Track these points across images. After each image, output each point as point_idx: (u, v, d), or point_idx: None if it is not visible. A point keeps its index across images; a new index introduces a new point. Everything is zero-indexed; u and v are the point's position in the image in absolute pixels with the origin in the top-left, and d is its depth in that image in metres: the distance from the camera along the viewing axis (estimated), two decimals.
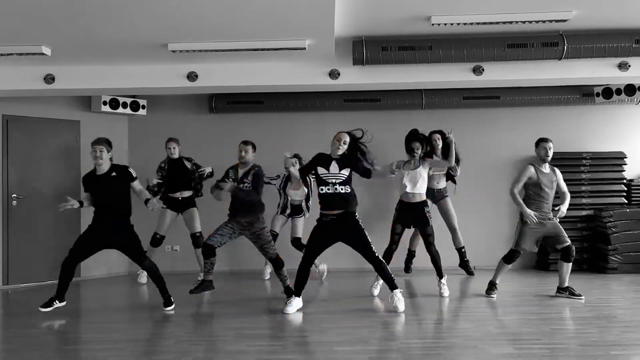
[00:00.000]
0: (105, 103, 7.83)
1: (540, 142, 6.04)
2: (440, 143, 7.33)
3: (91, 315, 5.79)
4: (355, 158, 5.37)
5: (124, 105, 7.99)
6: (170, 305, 5.58)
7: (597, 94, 7.90)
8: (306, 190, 6.83)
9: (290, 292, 5.71)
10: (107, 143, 5.51)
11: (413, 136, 6.30)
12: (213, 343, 4.49)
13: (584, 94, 7.96)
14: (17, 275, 7.26)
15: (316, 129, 8.11)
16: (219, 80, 6.42)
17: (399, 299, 5.32)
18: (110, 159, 5.55)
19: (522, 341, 4.36)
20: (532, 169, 5.97)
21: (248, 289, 6.76)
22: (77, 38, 5.40)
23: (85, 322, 5.52)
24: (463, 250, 7.56)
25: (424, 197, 6.25)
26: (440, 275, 6.13)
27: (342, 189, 5.30)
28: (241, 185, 5.75)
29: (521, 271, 7.99)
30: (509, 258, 6.04)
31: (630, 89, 7.66)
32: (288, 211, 7.18)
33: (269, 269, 7.33)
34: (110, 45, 5.62)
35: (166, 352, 4.30)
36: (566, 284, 5.98)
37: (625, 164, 8.06)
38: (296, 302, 5.42)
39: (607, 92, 7.81)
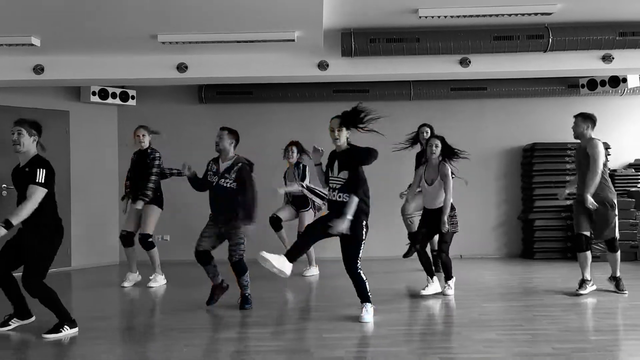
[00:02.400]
0: (94, 93, 7.85)
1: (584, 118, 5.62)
2: (427, 136, 6.99)
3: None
4: (358, 150, 4.69)
5: (113, 95, 8.02)
6: (54, 333, 4.31)
7: (582, 86, 8.04)
8: (300, 188, 6.78)
9: (245, 302, 5.18)
10: (31, 125, 4.38)
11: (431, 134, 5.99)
12: (201, 331, 4.57)
13: (569, 85, 8.10)
14: None
15: (306, 120, 8.20)
16: (208, 72, 6.47)
17: (367, 312, 4.72)
18: (41, 146, 4.48)
19: (505, 327, 4.48)
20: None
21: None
22: (67, 29, 5.43)
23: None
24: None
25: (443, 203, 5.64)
26: (449, 277, 5.73)
27: (339, 197, 4.62)
28: (222, 180, 5.16)
29: (507, 260, 8.16)
30: (577, 246, 5.66)
31: (614, 81, 7.79)
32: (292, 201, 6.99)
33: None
34: (100, 36, 5.65)
35: (156, 340, 4.38)
36: (617, 274, 5.67)
37: (609, 155, 8.19)
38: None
39: (592, 84, 7.95)
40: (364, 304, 4.75)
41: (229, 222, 5.14)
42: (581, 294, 5.51)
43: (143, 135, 6.31)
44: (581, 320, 4.68)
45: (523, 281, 6.42)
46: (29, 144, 4.33)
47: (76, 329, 4.40)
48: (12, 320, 4.61)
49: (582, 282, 5.60)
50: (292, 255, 4.62)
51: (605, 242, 5.74)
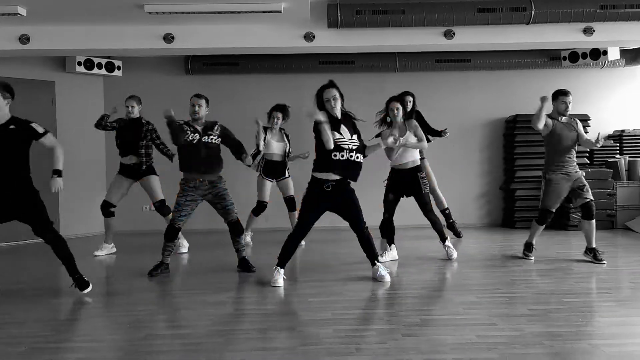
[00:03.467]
0: (79, 64, 7.83)
1: (559, 95, 5.66)
2: (410, 106, 7.06)
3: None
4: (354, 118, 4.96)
5: (99, 66, 8.01)
6: (86, 288, 4.67)
7: (564, 58, 8.18)
8: (288, 145, 6.86)
9: (245, 265, 5.46)
10: (4, 88, 4.47)
11: (393, 98, 5.84)
12: (194, 295, 4.70)
13: (551, 57, 8.24)
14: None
15: (292, 91, 8.25)
16: (195, 42, 6.50)
17: (383, 270, 5.06)
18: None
19: (484, 291, 4.68)
20: (549, 120, 5.64)
21: (223, 248, 6.97)
22: None
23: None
24: (447, 211, 7.35)
25: (418, 162, 5.87)
26: (443, 239, 5.95)
27: (357, 157, 4.82)
28: (205, 137, 5.25)
29: (488, 228, 8.38)
30: (541, 219, 5.80)
31: (595, 54, 7.93)
32: (270, 173, 6.86)
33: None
34: (87, 6, 5.66)
35: (150, 303, 4.51)
36: (593, 245, 5.74)
37: (589, 126, 8.37)
38: (281, 273, 4.97)
39: (574, 56, 8.09)
40: (377, 264, 5.07)
41: (214, 187, 5.29)
42: (530, 258, 5.90)
43: (132, 106, 6.36)
44: (557, 284, 4.87)
45: (503, 249, 6.63)
46: (2, 106, 4.42)
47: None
48: None
49: (529, 246, 5.96)
50: (283, 261, 4.99)
51: (582, 208, 5.74)
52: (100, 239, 7.36)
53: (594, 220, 5.71)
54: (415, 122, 5.83)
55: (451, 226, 7.41)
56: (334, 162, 4.76)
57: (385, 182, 5.84)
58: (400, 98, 5.92)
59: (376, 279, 5.04)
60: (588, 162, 8.34)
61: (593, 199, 5.71)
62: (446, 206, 7.36)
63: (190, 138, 5.25)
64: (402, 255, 6.14)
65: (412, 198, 5.90)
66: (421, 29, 6.44)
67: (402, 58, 8.18)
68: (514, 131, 8.34)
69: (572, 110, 8.28)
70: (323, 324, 3.80)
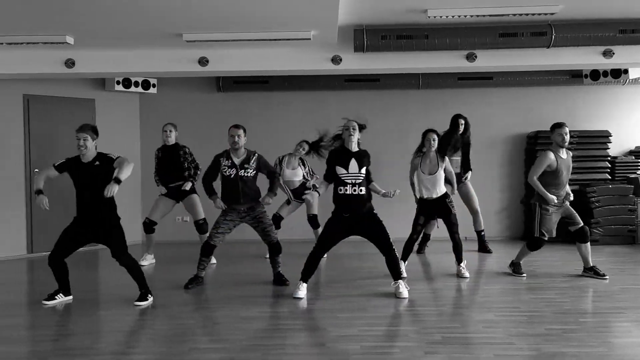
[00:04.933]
0: (118, 82, 8.25)
1: (555, 128, 5.87)
2: (462, 128, 7.35)
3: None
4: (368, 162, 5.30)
5: (136, 84, 8.42)
6: (144, 301, 5.15)
7: (585, 76, 8.33)
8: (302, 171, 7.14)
9: (279, 279, 5.80)
10: (93, 130, 5.12)
11: (430, 130, 6.23)
12: (227, 309, 5.02)
13: (572, 75, 8.39)
14: (40, 245, 7.82)
15: (318, 108, 8.58)
16: (227, 66, 6.81)
17: (403, 287, 5.32)
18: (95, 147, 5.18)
19: (503, 309, 4.91)
20: (551, 156, 5.80)
21: (252, 261, 7.29)
22: (99, 28, 5.79)
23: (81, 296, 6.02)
24: (482, 233, 7.62)
25: (444, 191, 6.21)
26: (459, 260, 6.17)
27: (360, 191, 5.17)
28: (242, 172, 5.59)
29: (508, 242, 8.56)
30: (533, 245, 6.00)
31: (616, 72, 8.09)
32: (292, 199, 7.22)
33: None
34: (129, 34, 6.01)
35: (189, 318, 4.84)
36: (590, 264, 6.02)
37: (610, 142, 8.52)
38: (304, 287, 5.34)
39: (595, 74, 8.24)
40: (398, 281, 5.34)
41: (252, 210, 5.66)
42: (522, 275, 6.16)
43: (170, 130, 6.78)
44: (574, 303, 5.07)
45: (523, 263, 6.80)
46: (91, 147, 5.07)
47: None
48: (59, 295, 5.27)
49: (517, 266, 6.24)
50: (306, 276, 5.33)
51: (577, 234, 5.98)
52: (136, 248, 7.76)
53: (588, 243, 6.02)
54: (447, 160, 6.31)
55: (483, 247, 7.66)
56: (339, 196, 5.20)
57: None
58: (434, 131, 6.27)
59: (395, 294, 5.31)
60: (609, 177, 8.47)
61: (582, 223, 5.99)
62: (482, 228, 7.62)
63: (227, 173, 5.62)
64: (426, 270, 6.38)
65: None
66: (444, 52, 6.66)
67: (425, 76, 8.42)
68: (535, 147, 8.50)
69: (592, 127, 8.60)
70: (350, 340, 4.09)
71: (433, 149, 6.18)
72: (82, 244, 5.16)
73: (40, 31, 5.85)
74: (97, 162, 5.05)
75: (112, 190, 4.83)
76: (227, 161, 5.65)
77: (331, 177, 5.32)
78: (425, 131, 6.28)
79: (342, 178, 5.19)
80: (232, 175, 5.61)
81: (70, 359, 3.81)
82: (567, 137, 5.86)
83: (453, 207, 6.16)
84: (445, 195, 6.20)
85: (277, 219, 7.24)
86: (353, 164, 5.21)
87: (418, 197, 6.35)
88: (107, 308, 5.18)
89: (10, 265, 7.28)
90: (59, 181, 7.90)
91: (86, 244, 5.17)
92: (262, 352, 3.89)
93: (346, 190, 5.18)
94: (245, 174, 5.61)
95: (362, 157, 5.27)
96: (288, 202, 7.33)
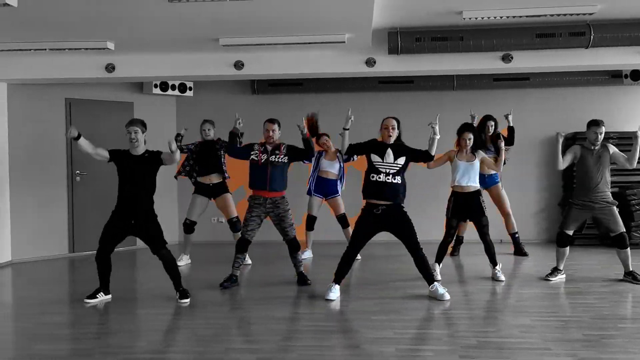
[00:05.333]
0: (156, 86, 8.44)
1: (591, 125, 5.81)
2: (492, 130, 7.27)
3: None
4: (409, 148, 5.37)
5: (173, 87, 8.60)
6: (185, 298, 5.31)
7: (625, 76, 8.16)
8: (339, 164, 7.20)
9: (303, 279, 5.90)
10: (142, 124, 5.34)
11: (466, 128, 6.15)
12: (261, 309, 5.09)
13: (612, 75, 8.22)
14: (81, 244, 8.04)
15: (353, 109, 8.52)
16: (262, 69, 6.92)
17: (441, 289, 5.31)
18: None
19: (540, 314, 4.85)
20: (577, 148, 5.88)
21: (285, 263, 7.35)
22: (138, 34, 5.95)
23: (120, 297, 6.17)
24: (517, 235, 7.52)
25: (478, 186, 6.14)
26: (494, 263, 6.11)
27: (394, 180, 5.22)
28: (273, 157, 5.73)
29: (545, 245, 8.43)
30: (559, 242, 6.02)
31: None
32: (321, 190, 7.23)
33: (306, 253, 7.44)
34: (167, 39, 6.16)
35: (225, 317, 4.94)
36: (630, 269, 5.94)
37: None
38: (336, 289, 5.37)
39: (635, 74, 8.07)
40: (434, 283, 5.34)
41: (276, 207, 5.75)
42: (550, 280, 6.03)
43: (209, 129, 6.99)
44: (612, 308, 4.98)
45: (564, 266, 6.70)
46: (141, 140, 5.28)
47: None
48: (99, 294, 5.41)
49: (555, 270, 6.11)
50: (339, 277, 5.40)
51: (615, 240, 5.88)
52: (172, 249, 7.91)
53: (628, 248, 5.88)
54: (483, 154, 6.23)
55: (519, 250, 7.54)
56: (370, 183, 5.24)
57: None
58: (472, 127, 6.21)
59: (435, 297, 5.29)
60: None
61: (624, 229, 5.84)
62: (516, 230, 7.50)
63: (258, 158, 5.76)
64: (460, 273, 6.34)
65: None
66: (479, 53, 6.62)
67: (460, 77, 8.37)
68: None
69: (633, 127, 8.38)
70: (385, 343, 4.11)
71: (468, 147, 6.10)
72: (122, 238, 5.32)
73: (82, 37, 6.03)
74: (147, 155, 5.29)
75: (173, 143, 5.12)
76: (260, 147, 5.82)
77: (356, 150, 5.43)
78: (461, 128, 6.17)
79: (376, 166, 5.25)
80: (263, 160, 5.74)
81: (113, 357, 3.92)
82: (601, 137, 5.77)
83: (485, 208, 6.08)
84: (479, 193, 6.12)
85: (311, 220, 7.31)
86: (389, 154, 5.27)
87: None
88: (145, 307, 5.31)
89: (53, 264, 7.52)
90: (99, 182, 8.21)
91: (125, 237, 5.33)
92: (297, 354, 3.94)
93: (379, 177, 5.22)
94: (276, 159, 5.75)
95: (399, 149, 5.32)
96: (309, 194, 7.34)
